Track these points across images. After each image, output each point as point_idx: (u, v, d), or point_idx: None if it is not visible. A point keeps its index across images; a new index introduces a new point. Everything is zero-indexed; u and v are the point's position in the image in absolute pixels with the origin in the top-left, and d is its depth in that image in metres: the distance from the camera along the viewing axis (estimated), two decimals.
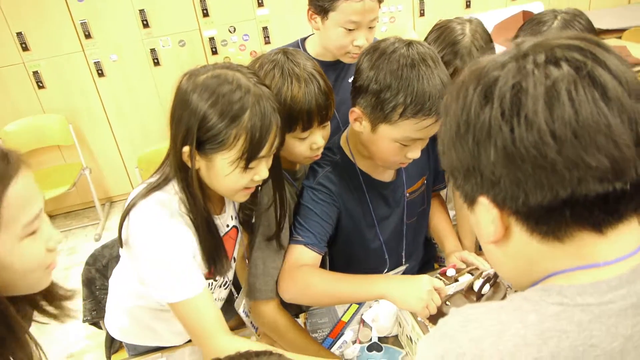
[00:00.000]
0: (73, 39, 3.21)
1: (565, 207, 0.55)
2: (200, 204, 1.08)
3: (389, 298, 1.16)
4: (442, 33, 1.33)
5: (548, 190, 0.54)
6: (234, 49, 3.46)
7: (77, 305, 0.98)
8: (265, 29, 3.43)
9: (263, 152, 1.03)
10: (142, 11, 3.22)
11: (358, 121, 1.20)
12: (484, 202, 0.61)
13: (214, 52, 3.43)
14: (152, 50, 3.34)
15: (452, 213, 1.64)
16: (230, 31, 3.40)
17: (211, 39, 3.39)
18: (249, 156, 1.03)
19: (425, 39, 1.44)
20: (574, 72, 0.54)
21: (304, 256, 1.28)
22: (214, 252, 1.14)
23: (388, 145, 1.18)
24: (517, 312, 0.56)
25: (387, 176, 1.36)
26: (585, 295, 0.54)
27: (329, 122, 1.24)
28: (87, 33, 3.20)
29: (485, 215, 0.62)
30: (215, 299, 1.35)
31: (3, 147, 0.76)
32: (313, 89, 1.16)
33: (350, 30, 1.50)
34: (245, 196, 1.12)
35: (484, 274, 1.23)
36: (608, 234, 0.56)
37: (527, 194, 0.55)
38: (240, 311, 1.36)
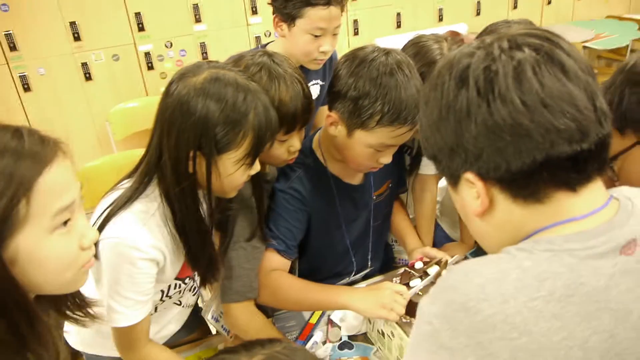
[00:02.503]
0: None
1: (542, 170, 0.63)
2: (197, 209, 1.07)
3: (353, 309, 1.24)
4: (420, 51, 1.36)
5: (526, 156, 0.62)
6: (170, 64, 3.40)
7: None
8: (202, 44, 3.41)
9: (274, 146, 1.04)
10: (73, 24, 3.09)
11: (334, 125, 1.23)
12: (469, 177, 0.68)
13: (150, 67, 3.35)
14: (84, 64, 3.21)
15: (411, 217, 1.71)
16: (166, 46, 3.35)
17: (147, 54, 3.32)
18: (255, 153, 1.03)
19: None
20: (534, 53, 0.63)
21: (274, 261, 1.31)
22: (202, 258, 1.13)
23: (362, 150, 1.22)
24: (513, 260, 0.63)
25: (356, 179, 1.41)
26: (570, 242, 0.62)
27: (305, 127, 1.27)
28: (12, 45, 3.02)
29: (469, 192, 0.70)
30: (183, 306, 1.32)
31: (42, 132, 0.71)
32: (299, 92, 1.18)
33: (316, 36, 1.55)
34: (237, 191, 1.12)
35: (449, 262, 1.30)
36: (580, 191, 0.65)
37: (508, 161, 0.63)
38: (209, 317, 1.33)
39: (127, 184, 1.10)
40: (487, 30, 1.44)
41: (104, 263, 1.04)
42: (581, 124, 0.61)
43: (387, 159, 1.25)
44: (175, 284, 1.21)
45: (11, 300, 0.67)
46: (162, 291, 1.20)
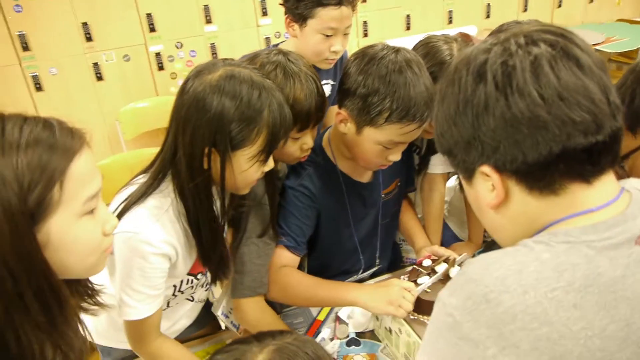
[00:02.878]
0: (9, 51, 3.06)
1: (558, 161, 0.64)
2: (211, 205, 1.08)
3: (361, 306, 1.25)
4: (430, 51, 1.37)
5: (543, 147, 0.64)
6: (180, 65, 3.42)
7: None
8: (212, 45, 3.44)
9: (286, 144, 1.05)
10: (85, 24, 3.13)
11: (343, 122, 1.24)
12: (485, 170, 0.69)
13: (160, 68, 3.38)
14: (95, 65, 3.24)
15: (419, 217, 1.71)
16: (177, 47, 3.38)
17: (157, 54, 3.35)
18: (269, 150, 1.05)
19: None
20: (550, 48, 0.65)
21: (284, 258, 1.33)
22: (213, 255, 1.14)
23: (371, 147, 1.23)
24: (532, 252, 0.64)
25: (365, 177, 1.41)
26: (587, 234, 0.64)
27: (317, 125, 1.28)
28: (24, 45, 3.06)
29: (484, 185, 0.71)
30: (195, 301, 1.33)
31: (69, 123, 0.75)
32: (313, 90, 1.20)
33: (327, 36, 1.57)
34: (250, 188, 1.13)
35: (457, 260, 1.30)
36: (594, 183, 0.67)
37: (525, 153, 0.65)
38: (219, 313, 1.34)
39: (141, 179, 1.11)
40: (499, 30, 1.45)
41: (117, 257, 1.05)
42: (596, 117, 0.63)
43: (395, 156, 1.26)
44: (188, 280, 1.22)
45: (45, 282, 0.70)
46: (175, 286, 1.21)
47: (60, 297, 0.73)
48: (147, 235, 1.04)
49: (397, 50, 1.20)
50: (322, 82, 1.80)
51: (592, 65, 0.65)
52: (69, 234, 0.72)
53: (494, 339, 0.60)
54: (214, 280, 1.27)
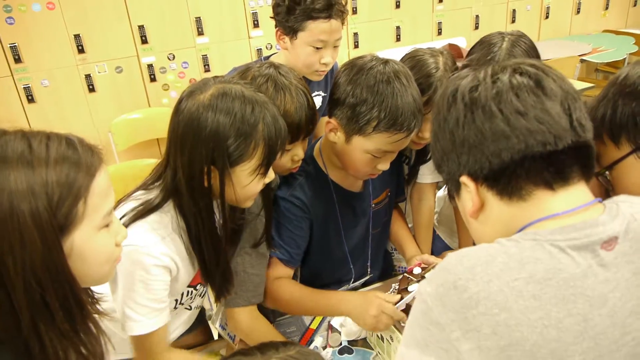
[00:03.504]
0: (1, 62, 3.06)
1: (520, 168, 0.72)
2: (213, 224, 1.09)
3: (352, 319, 1.30)
4: (417, 64, 1.39)
5: (505, 155, 0.72)
6: (172, 76, 3.45)
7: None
8: (204, 56, 3.46)
9: (278, 156, 1.07)
10: (77, 36, 3.15)
11: (333, 132, 1.26)
12: (463, 179, 0.77)
13: (152, 79, 3.40)
14: (87, 76, 3.25)
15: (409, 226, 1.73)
16: (169, 58, 3.40)
17: (149, 66, 3.37)
18: (268, 162, 1.06)
19: None
20: (518, 75, 0.74)
21: (277, 270, 1.36)
22: (216, 273, 1.15)
23: (360, 156, 1.25)
24: (502, 247, 0.70)
25: (356, 187, 1.43)
26: (554, 234, 0.69)
27: (308, 137, 1.30)
28: (17, 57, 3.07)
29: (466, 195, 0.79)
30: (193, 309, 1.33)
31: (87, 141, 0.79)
32: (303, 103, 1.22)
33: (317, 49, 1.59)
34: (252, 201, 1.15)
35: None
36: (558, 191, 0.73)
37: (491, 161, 0.73)
38: (217, 325, 1.35)
39: (141, 195, 1.12)
40: (481, 42, 1.48)
41: (119, 271, 1.05)
42: (553, 128, 0.70)
43: (384, 165, 1.28)
44: (188, 292, 1.23)
45: (69, 291, 0.74)
46: (176, 300, 1.22)
47: (82, 305, 0.77)
48: (148, 247, 1.05)
49: (385, 62, 1.22)
50: (313, 94, 1.83)
51: (554, 88, 0.72)
52: (89, 245, 0.77)
53: (458, 323, 0.65)
54: (217, 298, 1.27)
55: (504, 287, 0.64)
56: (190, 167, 1.04)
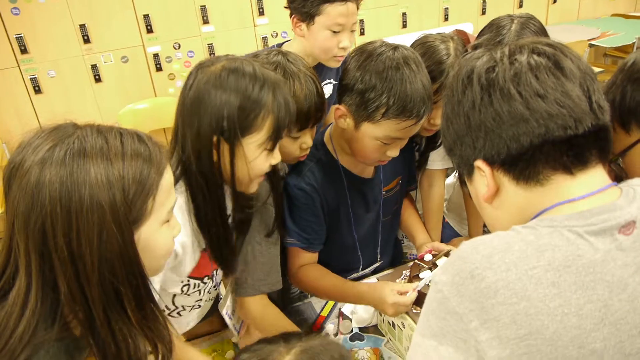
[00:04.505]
0: (8, 54, 3.06)
1: (540, 153, 0.70)
2: (221, 201, 1.09)
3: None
4: (427, 51, 1.37)
5: (524, 139, 0.70)
6: (178, 66, 3.44)
7: None
8: (210, 45, 3.45)
9: (285, 132, 1.06)
10: (82, 26, 3.14)
11: (342, 118, 1.26)
12: (478, 164, 0.75)
13: (158, 69, 3.39)
14: (93, 66, 3.25)
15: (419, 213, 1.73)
16: (175, 47, 3.39)
17: (155, 55, 3.36)
18: (276, 137, 1.06)
19: None
20: (535, 55, 0.72)
21: (300, 258, 1.38)
22: (224, 250, 1.15)
23: (369, 142, 1.24)
24: (518, 235, 0.68)
25: (366, 173, 1.43)
26: (572, 220, 0.67)
27: (317, 125, 1.29)
28: (23, 48, 3.07)
29: (481, 180, 0.77)
30: (205, 300, 1.34)
31: (153, 138, 0.80)
32: (312, 90, 1.21)
33: (335, 32, 1.59)
34: (258, 185, 1.14)
35: None
36: (577, 175, 0.71)
37: (509, 145, 0.71)
38: (224, 313, 1.35)
39: None
40: (490, 25, 1.47)
41: None
42: (574, 112, 0.68)
43: (394, 152, 1.28)
44: (195, 284, 1.23)
45: (141, 282, 0.76)
46: (182, 290, 1.22)
47: (151, 295, 0.79)
48: None
49: (395, 48, 1.21)
50: (325, 82, 1.82)
51: (574, 69, 0.70)
52: (153, 238, 0.79)
53: (476, 313, 0.64)
54: (226, 275, 1.28)
55: (523, 275, 0.63)
56: (199, 139, 1.03)
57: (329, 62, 1.69)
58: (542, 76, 0.69)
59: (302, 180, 1.33)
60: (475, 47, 1.42)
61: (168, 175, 0.80)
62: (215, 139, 1.03)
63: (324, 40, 1.62)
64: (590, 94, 0.70)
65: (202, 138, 1.03)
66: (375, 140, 1.23)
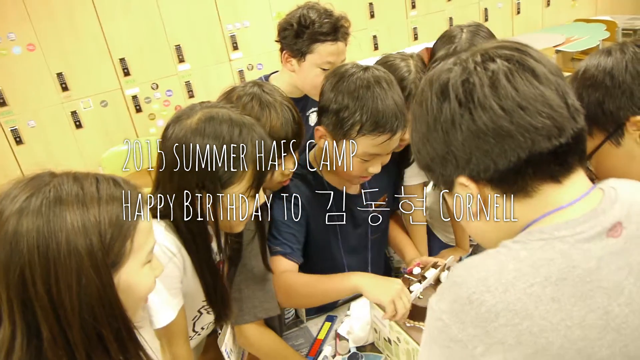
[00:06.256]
0: None
1: (527, 166, 0.68)
2: (208, 250, 1.11)
3: (361, 289, 1.25)
4: (389, 69, 1.41)
5: (511, 155, 0.67)
6: (158, 105, 3.48)
7: None
8: (187, 83, 3.50)
9: (268, 177, 1.09)
10: (60, 74, 3.17)
11: (323, 138, 1.31)
12: (462, 181, 0.73)
13: (138, 110, 3.42)
14: (73, 113, 3.28)
15: None
16: (153, 88, 3.43)
17: (134, 97, 3.39)
18: (258, 184, 1.08)
19: None
20: (506, 62, 0.69)
21: (282, 265, 1.36)
22: (216, 296, 1.17)
23: (350, 160, 1.28)
24: (510, 252, 0.67)
25: (352, 190, 1.47)
26: (560, 230, 0.67)
27: (297, 150, 1.33)
28: (1, 100, 3.09)
29: (464, 195, 0.75)
30: (202, 328, 1.34)
31: (130, 181, 0.82)
32: (289, 118, 1.25)
33: (325, 70, 1.65)
34: (244, 225, 1.16)
35: (446, 264, 1.35)
36: (564, 182, 0.70)
37: (496, 161, 0.69)
38: (223, 350, 1.36)
39: None
40: (442, 37, 1.54)
41: None
42: (557, 121, 0.67)
43: (375, 168, 1.32)
44: (194, 316, 1.26)
45: (122, 324, 0.77)
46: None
47: (134, 336, 0.79)
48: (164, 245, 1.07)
49: (366, 69, 1.27)
50: (312, 110, 1.88)
51: (547, 73, 0.69)
52: (134, 281, 0.79)
53: (480, 338, 0.63)
54: (218, 322, 1.28)
55: (521, 294, 0.62)
56: (180, 193, 1.04)
57: (317, 96, 1.75)
58: (521, 86, 0.67)
59: (287, 192, 1.37)
60: (434, 62, 1.49)
61: (146, 217, 0.81)
62: (196, 192, 1.04)
63: (314, 77, 1.68)
64: (567, 98, 0.69)
65: (183, 192, 1.04)
66: (355, 157, 1.28)
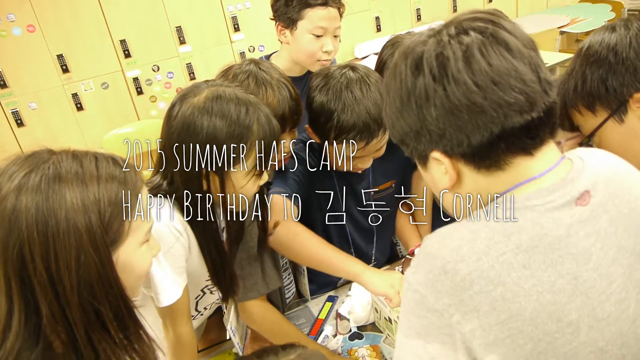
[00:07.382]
0: None
1: (500, 141, 0.68)
2: (216, 229, 1.11)
3: (363, 280, 1.25)
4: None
5: (484, 130, 0.68)
6: (159, 87, 3.46)
7: None
8: (189, 65, 3.48)
9: (273, 156, 1.08)
10: (60, 56, 3.16)
11: (312, 136, 1.34)
12: (436, 155, 0.73)
13: (139, 92, 3.41)
14: (74, 95, 3.27)
15: None
16: (154, 70, 3.41)
17: (135, 79, 3.38)
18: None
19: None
20: (480, 36, 0.68)
21: (281, 203, 1.32)
22: (223, 276, 1.17)
23: (338, 157, 1.30)
24: (481, 221, 0.69)
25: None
26: (531, 199, 0.69)
27: (296, 128, 1.33)
28: (2, 82, 3.08)
29: (438, 169, 0.75)
30: (205, 308, 1.35)
31: (131, 161, 0.81)
32: (286, 95, 1.24)
33: (318, 36, 1.63)
34: (248, 203, 1.16)
35: None
36: (536, 154, 0.71)
37: (469, 136, 0.69)
38: (229, 328, 1.37)
39: None
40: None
41: None
42: (529, 95, 0.67)
43: (365, 164, 1.34)
44: (198, 295, 1.26)
45: (122, 303, 0.77)
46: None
47: (133, 315, 0.79)
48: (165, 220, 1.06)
49: (349, 69, 1.27)
50: None
51: (520, 46, 0.69)
52: (132, 259, 0.80)
53: (455, 306, 0.65)
54: (225, 300, 1.29)
55: (494, 262, 0.64)
56: (187, 172, 1.04)
57: (313, 66, 1.72)
58: (494, 61, 0.67)
59: (297, 158, 1.39)
60: (382, 63, 1.53)
61: (144, 196, 0.81)
62: (204, 171, 1.04)
63: (307, 44, 1.66)
64: (539, 72, 0.69)
65: (190, 171, 1.04)
66: (342, 156, 1.29)
